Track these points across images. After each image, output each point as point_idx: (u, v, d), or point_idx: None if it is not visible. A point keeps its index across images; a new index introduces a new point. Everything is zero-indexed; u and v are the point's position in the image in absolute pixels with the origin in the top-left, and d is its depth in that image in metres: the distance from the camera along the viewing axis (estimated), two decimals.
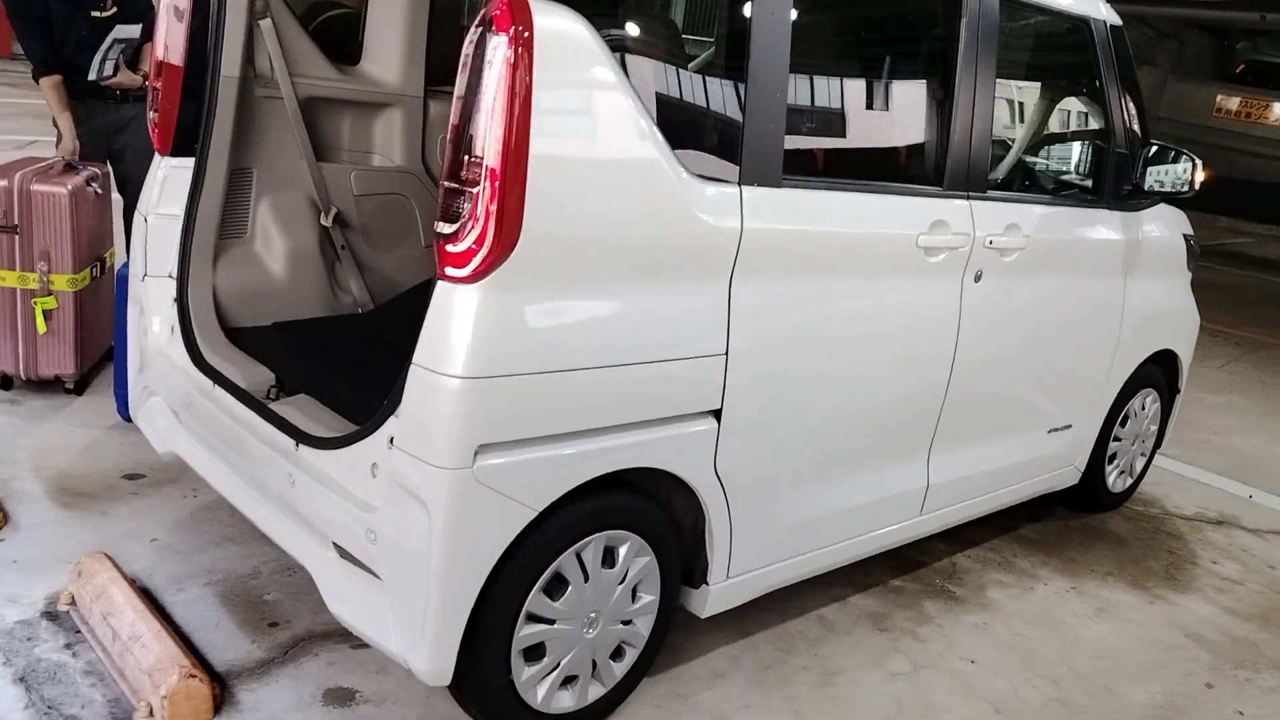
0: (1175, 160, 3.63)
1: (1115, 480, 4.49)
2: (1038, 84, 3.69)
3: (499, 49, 2.02)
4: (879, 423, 3.11)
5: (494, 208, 2.06)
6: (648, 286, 2.37)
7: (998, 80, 3.18)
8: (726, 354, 2.57)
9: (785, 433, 2.81)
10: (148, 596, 2.94)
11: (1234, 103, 21.23)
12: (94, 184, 4.20)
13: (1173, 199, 3.88)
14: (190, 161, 3.06)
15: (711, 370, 2.55)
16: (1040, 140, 3.74)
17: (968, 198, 3.15)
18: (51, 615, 2.83)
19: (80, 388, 4.33)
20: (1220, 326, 9.27)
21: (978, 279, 3.25)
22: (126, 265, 3.92)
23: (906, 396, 3.16)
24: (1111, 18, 3.62)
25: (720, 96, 2.56)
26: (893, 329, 3.02)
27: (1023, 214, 3.37)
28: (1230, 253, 14.75)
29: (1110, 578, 3.96)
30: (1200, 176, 3.66)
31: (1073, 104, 3.75)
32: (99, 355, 4.49)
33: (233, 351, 3.02)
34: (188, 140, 3.05)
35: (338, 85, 3.43)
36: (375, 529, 2.31)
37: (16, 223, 3.95)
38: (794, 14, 2.52)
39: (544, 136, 2.09)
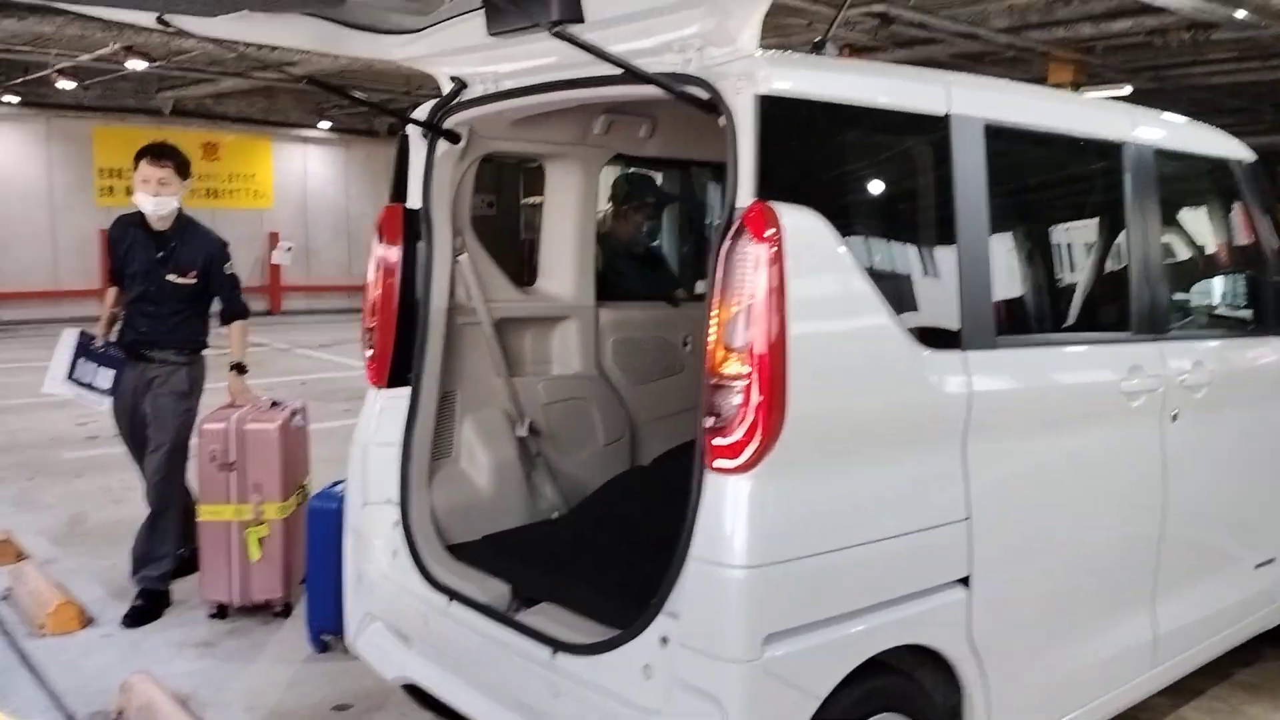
0: None
1: None
2: (1196, 225, 3.81)
3: (754, 251, 2.17)
4: (1109, 573, 3.07)
5: (762, 399, 2.16)
6: (894, 458, 2.43)
7: (1164, 225, 3.30)
8: (969, 518, 2.59)
9: (1031, 593, 2.79)
10: None
11: None
12: (298, 416, 4.46)
13: None
14: (402, 391, 3.23)
15: (957, 536, 2.56)
16: (1204, 277, 3.82)
17: (1154, 340, 3.21)
18: None
19: (287, 611, 4.44)
20: None
21: (1175, 419, 3.26)
22: (318, 497, 4.09)
23: (1130, 543, 3.13)
24: (1247, 155, 3.75)
25: (935, 269, 2.68)
26: (1110, 477, 3.03)
27: (1203, 351, 3.41)
28: None
29: None
30: None
31: (1226, 238, 3.85)
32: (301, 577, 4.63)
33: (461, 567, 3.10)
34: (400, 372, 3.23)
35: (522, 304, 3.63)
36: None
37: (233, 460, 4.20)
38: (992, 185, 2.68)
39: (800, 326, 2.21)
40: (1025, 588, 2.76)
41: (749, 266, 2.18)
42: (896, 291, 2.54)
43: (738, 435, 2.18)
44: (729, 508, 2.20)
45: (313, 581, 4.04)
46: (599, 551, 3.10)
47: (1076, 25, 10.17)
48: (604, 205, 4.29)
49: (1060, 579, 2.88)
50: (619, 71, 2.28)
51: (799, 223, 2.25)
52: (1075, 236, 3.31)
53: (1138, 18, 9.71)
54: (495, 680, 2.79)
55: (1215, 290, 3.74)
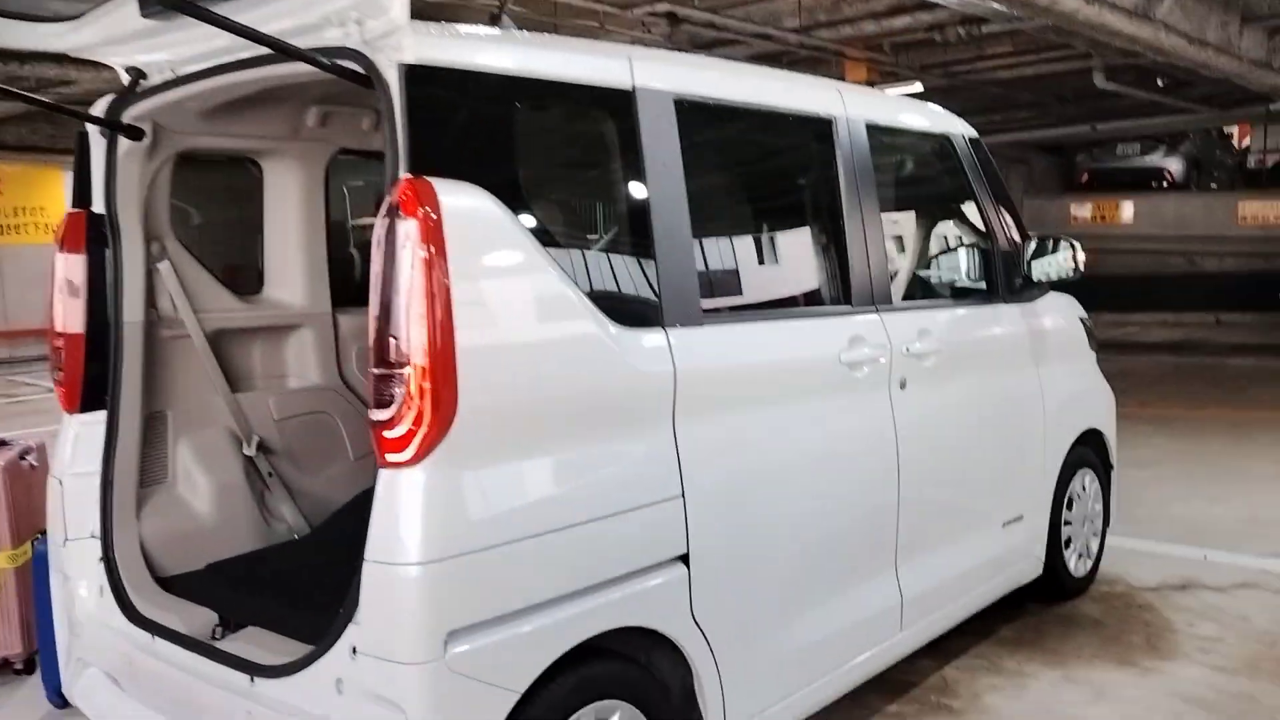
0: (1056, 249, 3.85)
1: (1076, 564, 4.50)
2: (918, 199, 3.92)
3: (406, 230, 2.07)
4: (845, 540, 3.10)
5: (427, 385, 2.06)
6: (590, 440, 2.36)
7: (883, 200, 3.37)
8: (683, 495, 2.55)
9: (757, 565, 2.78)
10: None
11: (1086, 209, 22.64)
12: (28, 457, 4.08)
13: (1062, 284, 4.08)
14: (98, 415, 2.99)
15: (671, 514, 2.52)
16: (930, 250, 3.93)
17: (876, 311, 3.26)
18: None
19: (30, 666, 4.06)
20: (1130, 408, 9.59)
21: (903, 386, 3.32)
22: (43, 541, 3.76)
23: (865, 510, 3.17)
24: (968, 130, 3.89)
25: (630, 247, 2.64)
26: (838, 446, 3.06)
27: (930, 320, 3.50)
28: (1120, 342, 15.41)
29: (1097, 660, 3.91)
30: (1082, 257, 3.87)
31: (953, 212, 3.97)
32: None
33: (169, 599, 2.88)
34: (95, 394, 2.99)
35: (243, 314, 3.43)
36: None
37: None
38: (690, 161, 2.65)
39: (467, 309, 2.11)
40: (750, 561, 2.75)
41: (403, 246, 2.07)
42: (587, 271, 2.48)
43: (405, 427, 2.07)
44: (401, 504, 2.09)
45: (44, 632, 3.71)
46: (323, 570, 2.93)
47: (860, 23, 10.52)
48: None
49: (790, 550, 2.89)
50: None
51: (461, 200, 2.15)
52: (787, 212, 3.34)
53: (915, 14, 10.12)
54: (199, 717, 2.59)
55: (941, 262, 3.86)
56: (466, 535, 2.11)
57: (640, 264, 2.57)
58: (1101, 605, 4.48)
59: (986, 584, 3.86)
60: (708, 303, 2.71)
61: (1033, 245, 3.90)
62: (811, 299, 3.21)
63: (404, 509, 2.08)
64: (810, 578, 2.98)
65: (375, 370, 2.11)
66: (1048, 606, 4.45)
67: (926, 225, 3.97)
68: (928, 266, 3.86)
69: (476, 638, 2.12)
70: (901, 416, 3.30)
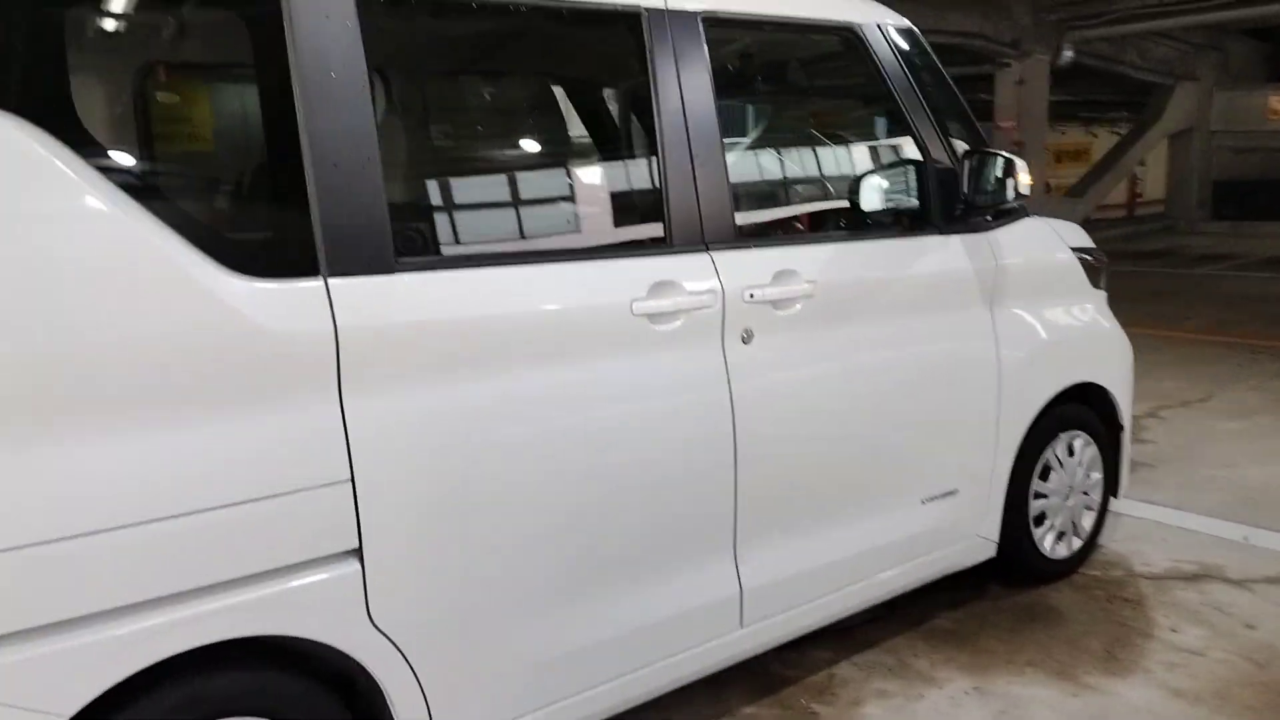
0: (986, 167, 3.08)
1: (1053, 545, 3.79)
2: (803, 110, 3.20)
3: None
4: (631, 525, 2.58)
5: None
6: (192, 414, 1.94)
7: (736, 110, 2.72)
8: (352, 480, 2.11)
9: (483, 559, 2.32)
10: None
11: None
12: None
13: (1007, 211, 3.30)
14: None
15: (330, 503, 2.09)
16: (827, 172, 3.23)
17: (706, 250, 2.66)
18: None
19: None
20: (1259, 341, 8.34)
21: (747, 339, 2.73)
22: None
23: (670, 488, 2.63)
24: (888, 18, 3.13)
25: (276, 181, 2.16)
26: (618, 414, 2.52)
27: (801, 258, 2.86)
28: None
29: (1030, 668, 3.25)
30: (1025, 180, 3.09)
31: (860, 124, 3.24)
32: None
33: None
34: None
35: None
36: None
37: None
38: (382, 61, 2.13)
39: None
40: (471, 554, 2.29)
41: None
42: (202, 210, 2.03)
43: None
44: None
45: None
46: None
47: None
48: None
49: (537, 539, 2.40)
50: None
51: None
52: (559, 132, 2.74)
53: None
54: None
55: (838, 187, 3.15)
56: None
57: (289, 199, 2.09)
58: (1080, 595, 3.77)
59: (894, 570, 3.25)
60: (410, 245, 2.22)
61: (975, 162, 3.14)
62: (596, 237, 2.64)
63: None
64: (575, 570, 2.50)
65: None
66: (1011, 593, 3.79)
67: (819, 141, 3.25)
68: (822, 192, 3.17)
69: (8, 652, 1.78)
70: (742, 376, 2.72)
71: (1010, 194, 3.09)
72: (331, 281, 2.09)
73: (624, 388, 2.52)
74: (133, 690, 1.94)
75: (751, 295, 2.72)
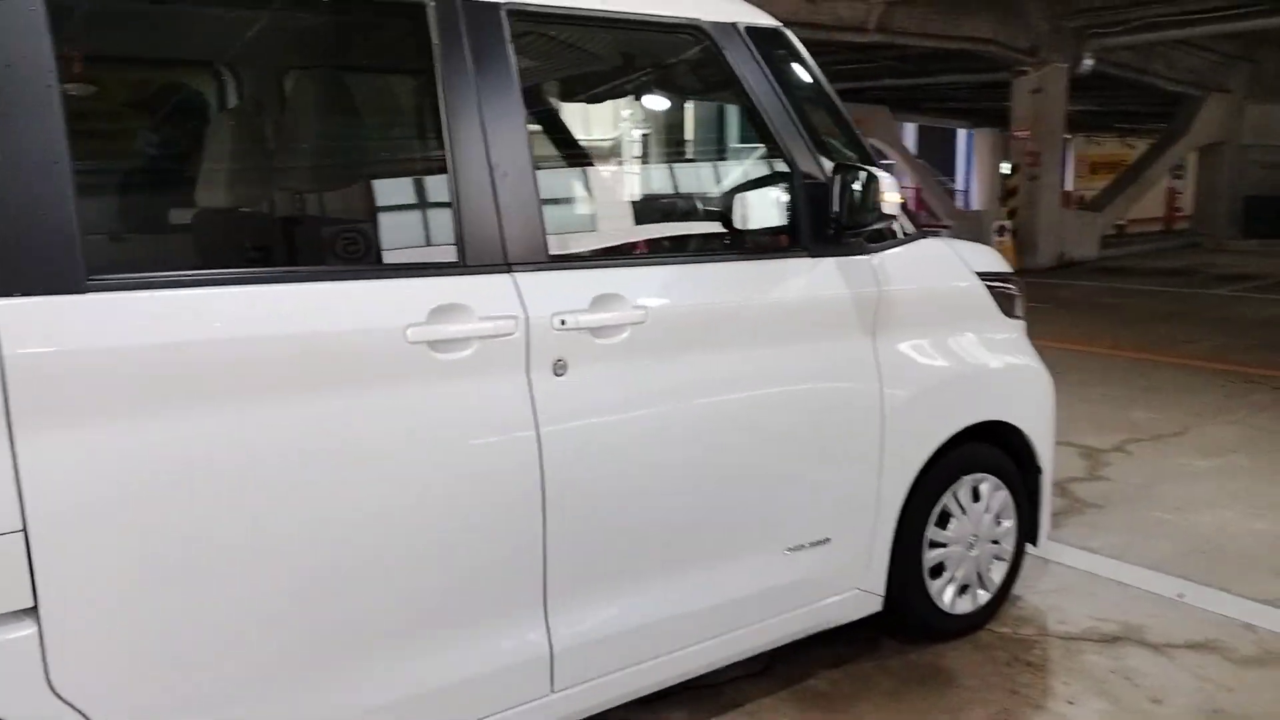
0: (851, 183, 2.74)
1: (953, 598, 3.45)
2: (645, 118, 2.88)
3: None
4: (403, 577, 2.28)
5: None
6: None
7: (561, 120, 2.43)
8: (24, 530, 1.84)
9: (200, 618, 2.03)
10: None
11: None
12: None
13: (873, 233, 2.96)
14: None
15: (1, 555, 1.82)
16: (666, 185, 2.91)
17: (509, 270, 2.37)
18: None
19: None
20: (1257, 369, 7.91)
21: (560, 371, 2.43)
22: None
23: (453, 535, 2.33)
24: (747, 17, 2.81)
25: None
26: (387, 452, 2.22)
27: (626, 280, 2.55)
28: None
29: None
30: (892, 198, 2.77)
31: (715, 135, 2.92)
32: None
33: None
34: None
35: None
36: None
37: None
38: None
39: None
40: (181, 610, 2.01)
41: None
42: None
43: None
44: None
45: None
46: None
47: None
48: None
49: (289, 596, 2.12)
50: None
51: None
52: (331, 132, 2.43)
53: None
54: None
55: (680, 201, 2.84)
56: None
57: None
58: (980, 656, 3.43)
59: (752, 626, 2.93)
60: (106, 260, 1.94)
61: (845, 177, 2.80)
62: (367, 254, 2.35)
63: None
64: (331, 630, 2.21)
65: None
66: (904, 650, 3.45)
67: (662, 153, 2.94)
68: (663, 210, 2.86)
69: None
70: (553, 413, 2.42)
71: (870, 215, 2.76)
72: (3, 301, 1.82)
73: (394, 422, 2.22)
74: None
75: (563, 322, 2.42)
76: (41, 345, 1.84)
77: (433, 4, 2.26)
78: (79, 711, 1.93)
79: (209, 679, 2.07)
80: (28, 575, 1.85)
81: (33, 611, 1.87)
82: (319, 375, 2.13)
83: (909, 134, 27.90)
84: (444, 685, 2.38)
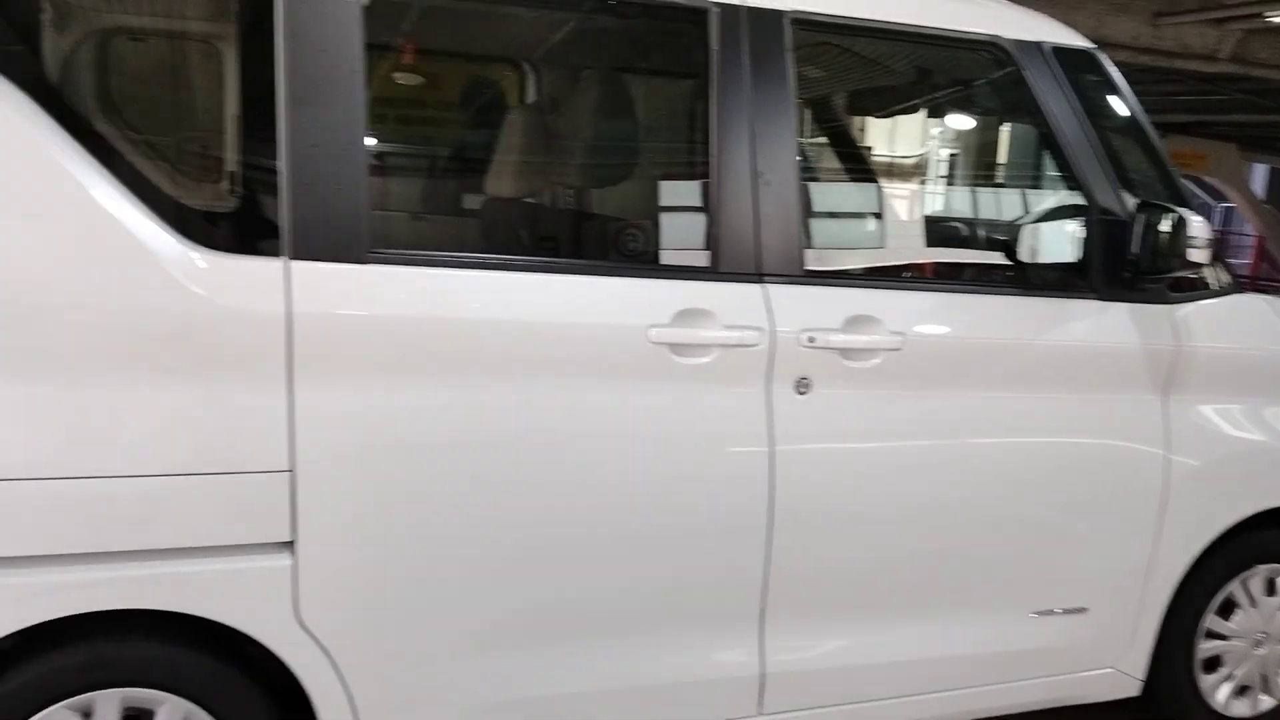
0: (1158, 224, 2.47)
1: (1228, 699, 3.06)
2: (930, 136, 2.72)
3: None
4: (624, 571, 2.31)
5: None
6: (128, 382, 1.93)
7: (827, 128, 2.38)
8: (293, 470, 2.03)
9: (436, 576, 2.16)
10: None
11: None
12: None
13: (1177, 281, 2.65)
14: None
15: (265, 491, 2.02)
16: (945, 207, 2.74)
17: (760, 281, 2.34)
18: None
19: None
20: None
21: (802, 390, 2.38)
22: None
23: (673, 537, 2.33)
24: (1054, 36, 2.60)
25: (249, 156, 2.11)
26: (618, 445, 2.26)
27: (886, 303, 2.45)
28: None
29: None
30: (1197, 249, 2.46)
31: (1007, 159, 2.72)
32: None
33: None
34: None
35: None
36: None
37: None
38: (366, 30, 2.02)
39: None
40: (429, 566, 2.13)
41: None
42: (168, 180, 2.01)
43: None
44: None
45: None
46: None
47: None
48: None
49: (512, 570, 2.20)
50: None
51: None
52: (598, 129, 2.44)
53: None
54: None
55: (959, 226, 2.65)
56: None
57: (264, 178, 2.03)
58: None
59: (983, 687, 2.73)
60: (390, 235, 2.10)
61: (1150, 216, 2.54)
62: (619, 252, 2.38)
63: None
64: (548, 612, 2.27)
65: None
66: None
67: (945, 174, 2.76)
68: (939, 233, 2.69)
69: None
70: (790, 430, 2.37)
71: (1193, 260, 2.48)
72: (296, 265, 2.01)
73: (627, 419, 2.26)
74: (43, 641, 1.97)
75: (811, 339, 2.36)
76: (324, 306, 2.02)
77: (715, 9, 2.27)
78: (318, 643, 2.09)
79: (435, 634, 2.19)
80: (290, 512, 2.04)
81: (290, 546, 2.05)
82: (562, 363, 2.19)
83: (1259, 176, 25.06)
84: (657, 684, 2.39)
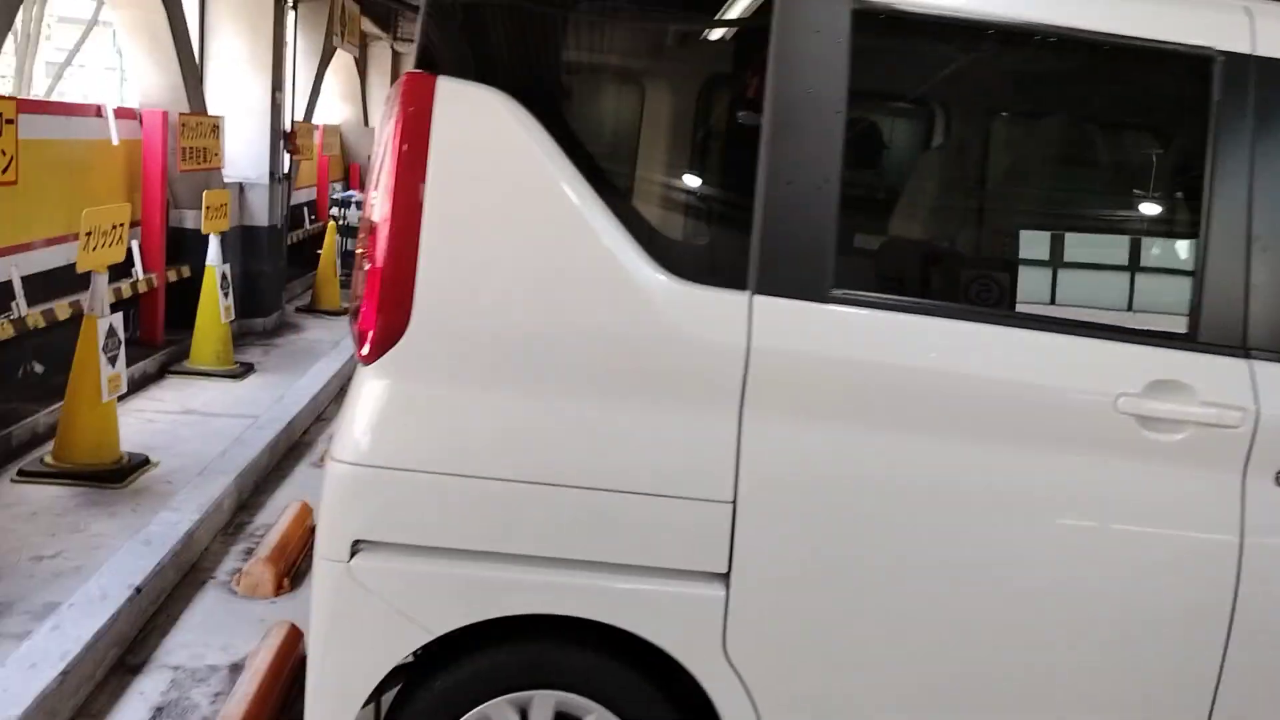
0: None
1: None
2: None
3: (395, 120, 1.99)
4: (1056, 659, 2.13)
5: (379, 283, 1.99)
6: (595, 399, 2.02)
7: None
8: (734, 502, 2.04)
9: (856, 626, 2.09)
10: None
11: None
12: None
13: None
14: None
15: (707, 519, 2.03)
16: None
17: (1246, 356, 2.10)
18: (236, 667, 3.20)
19: None
20: None
21: None
22: None
23: (1118, 633, 2.13)
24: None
25: (725, 193, 2.14)
26: (1068, 522, 2.09)
27: None
28: None
29: None
30: None
31: None
32: None
33: None
34: None
35: None
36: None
37: None
38: (854, 76, 2.01)
39: (443, 217, 1.97)
40: (855, 619, 2.07)
41: (391, 136, 1.99)
42: (639, 200, 2.09)
43: (362, 324, 2.03)
44: (351, 399, 2.08)
45: None
46: None
47: None
48: None
49: (938, 635, 2.09)
50: None
51: (463, 102, 1.97)
52: (1072, 181, 2.25)
53: None
54: None
55: None
56: (399, 450, 1.99)
57: (735, 213, 2.06)
58: None
59: None
60: (852, 274, 2.07)
61: None
62: (1089, 310, 2.19)
63: (349, 404, 2.07)
64: (971, 686, 2.14)
65: (359, 252, 2.11)
66: None
67: None
68: None
69: (390, 558, 2.01)
70: (1264, 527, 2.11)
71: None
72: (758, 299, 2.03)
73: (1080, 491, 2.09)
74: (486, 638, 2.08)
75: None
76: (783, 341, 2.02)
77: (1221, 58, 2.08)
78: (741, 680, 2.08)
79: (850, 684, 2.12)
80: (729, 544, 2.04)
81: (724, 578, 2.05)
82: (1015, 424, 2.07)
83: None
84: None
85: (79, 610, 3.16)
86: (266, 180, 8.10)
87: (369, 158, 14.38)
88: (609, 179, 2.12)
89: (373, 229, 2.02)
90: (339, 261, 9.74)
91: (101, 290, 4.55)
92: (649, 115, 2.32)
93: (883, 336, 2.05)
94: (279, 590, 3.71)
